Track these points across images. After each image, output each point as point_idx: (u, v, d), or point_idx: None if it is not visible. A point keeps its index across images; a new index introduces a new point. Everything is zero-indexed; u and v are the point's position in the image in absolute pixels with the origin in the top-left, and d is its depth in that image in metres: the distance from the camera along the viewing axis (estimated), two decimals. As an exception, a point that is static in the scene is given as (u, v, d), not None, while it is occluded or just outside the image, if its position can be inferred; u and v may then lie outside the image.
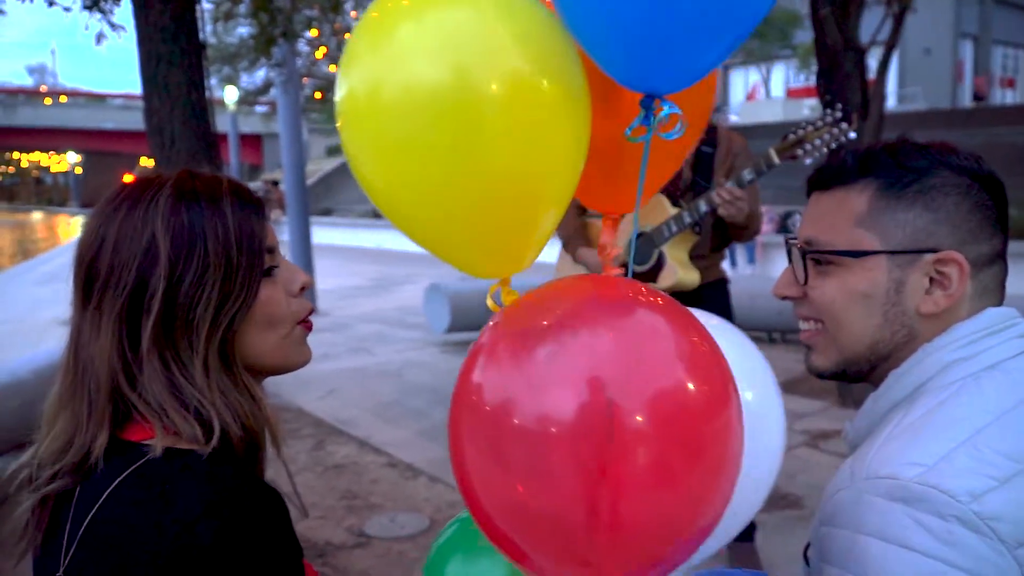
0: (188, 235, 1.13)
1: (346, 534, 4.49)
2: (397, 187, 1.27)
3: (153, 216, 1.13)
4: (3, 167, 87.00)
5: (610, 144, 1.38)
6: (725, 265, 3.96)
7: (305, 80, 25.67)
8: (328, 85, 27.99)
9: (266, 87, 27.42)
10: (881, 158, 1.25)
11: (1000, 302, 1.26)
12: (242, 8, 8.35)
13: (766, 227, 13.15)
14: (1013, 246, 1.37)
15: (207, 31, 6.38)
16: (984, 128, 19.26)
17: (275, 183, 18.89)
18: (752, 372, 1.45)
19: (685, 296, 3.50)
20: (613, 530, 1.06)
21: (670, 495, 1.07)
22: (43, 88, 67.64)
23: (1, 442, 4.55)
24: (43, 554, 1.15)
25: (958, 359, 1.19)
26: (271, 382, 1.25)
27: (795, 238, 1.32)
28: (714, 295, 3.68)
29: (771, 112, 29.42)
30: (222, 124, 16.89)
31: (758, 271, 13.81)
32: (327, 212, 30.22)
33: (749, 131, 13.13)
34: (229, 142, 22.56)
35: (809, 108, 29.07)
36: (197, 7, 4.80)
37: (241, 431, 1.14)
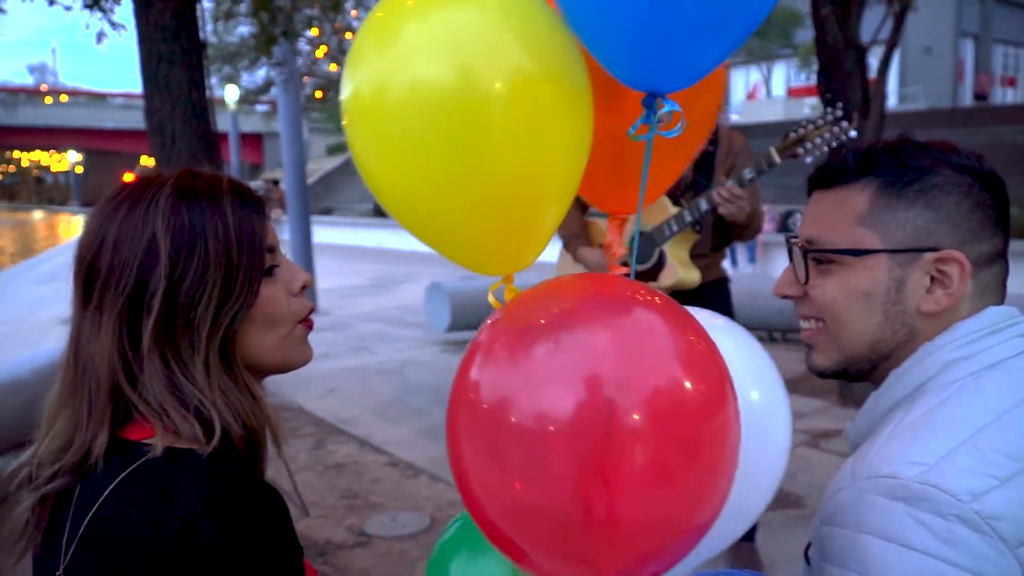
0: (189, 234, 1.13)
1: (347, 533, 4.49)
2: (402, 185, 1.28)
3: (153, 215, 1.13)
4: (4, 166, 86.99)
5: (617, 144, 1.38)
6: (726, 264, 3.96)
7: (306, 79, 25.69)
8: (328, 84, 28.04)
9: (267, 86, 27.44)
10: (882, 157, 1.25)
11: (1001, 301, 1.26)
12: (243, 7, 8.35)
13: (767, 226, 13.14)
14: (1014, 245, 1.37)
15: (208, 30, 6.38)
16: (985, 127, 19.26)
17: (276, 182, 18.89)
18: (758, 372, 1.45)
19: (686, 295, 3.50)
20: (610, 528, 1.06)
21: (667, 493, 1.07)
22: (44, 87, 67.66)
23: (1, 441, 4.55)
24: (43, 553, 1.15)
25: (959, 358, 1.19)
26: (271, 381, 1.25)
27: (796, 237, 1.32)
28: (715, 294, 3.68)
29: (772, 111, 29.41)
30: (223, 123, 16.91)
31: (759, 270, 13.80)
32: (328, 211, 30.23)
33: (750, 130, 13.13)
34: (230, 141, 22.55)
35: (810, 107, 29.06)
36: (198, 6, 4.80)
37: (242, 430, 1.14)
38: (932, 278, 1.21)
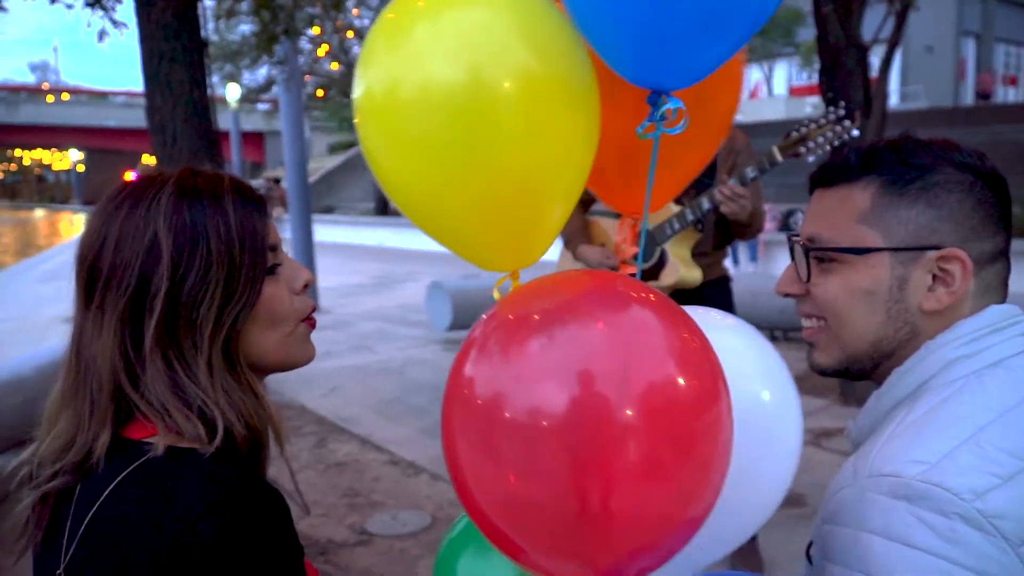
0: (190, 234, 1.13)
1: (348, 532, 4.49)
2: (412, 181, 1.30)
3: (155, 215, 1.13)
4: (5, 164, 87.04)
5: (631, 145, 1.39)
6: (727, 263, 3.95)
7: (307, 78, 25.70)
8: (330, 83, 28.07)
9: (268, 85, 27.48)
10: (884, 155, 1.25)
11: (1003, 300, 1.25)
12: (244, 6, 8.35)
13: (768, 225, 13.13)
14: (1015, 244, 1.37)
15: (209, 28, 6.38)
16: (986, 126, 19.24)
17: (277, 181, 18.87)
18: (769, 372, 1.45)
19: (687, 294, 3.49)
20: (603, 522, 1.06)
21: (660, 488, 1.07)
22: (45, 85, 67.67)
23: (2, 439, 4.56)
24: (43, 551, 1.15)
25: (961, 356, 1.19)
26: (273, 379, 1.25)
27: (798, 235, 1.32)
28: (716, 293, 3.68)
29: (773, 110, 29.40)
30: (224, 122, 16.91)
31: (760, 269, 13.80)
32: (329, 210, 30.23)
33: (752, 129, 13.12)
34: (231, 140, 22.55)
35: (811, 106, 29.06)
36: (199, 5, 4.80)
37: (245, 430, 1.13)
38: (934, 276, 1.21)
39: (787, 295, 1.34)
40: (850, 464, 1.17)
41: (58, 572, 1.10)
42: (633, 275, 1.64)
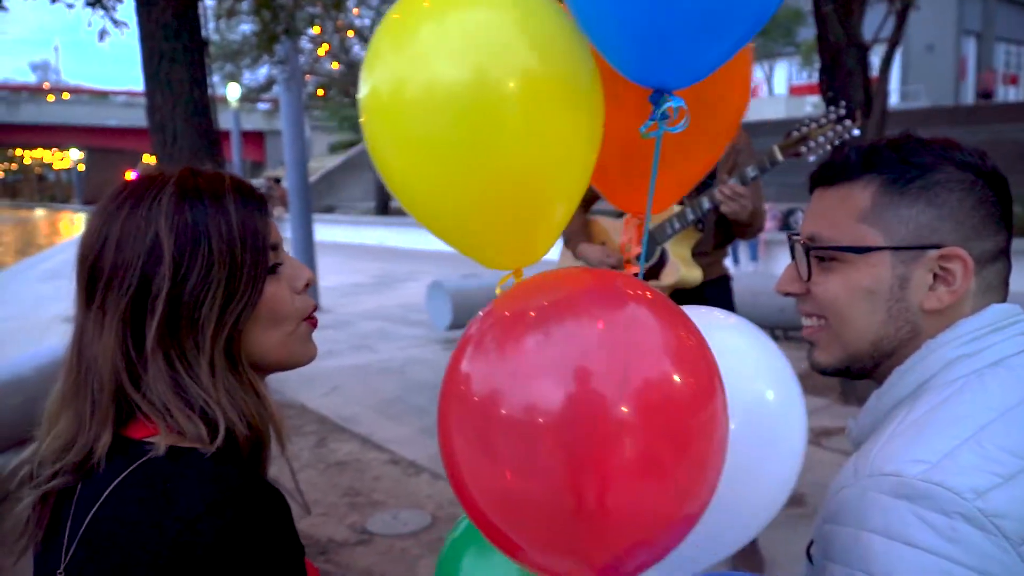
0: (192, 233, 1.12)
1: (348, 531, 4.49)
2: (416, 180, 1.31)
3: (156, 214, 1.12)
4: (6, 164, 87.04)
5: (637, 146, 1.39)
6: (727, 262, 3.95)
7: (308, 77, 25.70)
8: (330, 82, 28.08)
9: (268, 84, 27.50)
10: (885, 154, 1.24)
11: (1003, 298, 1.25)
12: (244, 5, 8.36)
13: (769, 224, 13.13)
14: (1016, 243, 1.37)
15: (209, 28, 6.39)
16: (987, 125, 19.24)
17: (277, 180, 18.87)
18: (774, 372, 1.44)
19: (687, 293, 3.50)
20: (599, 519, 1.06)
21: (656, 485, 1.08)
22: (46, 85, 67.73)
23: (3, 439, 4.56)
24: (44, 551, 1.15)
25: (962, 355, 1.18)
26: (273, 379, 1.25)
27: (798, 234, 1.32)
28: (716, 292, 3.68)
29: (774, 109, 29.41)
30: (224, 121, 16.90)
31: (760, 268, 13.80)
32: (329, 209, 30.24)
33: (752, 128, 13.10)
34: (231, 139, 22.56)
35: (812, 105, 29.07)
36: (200, 4, 4.80)
37: (247, 430, 1.13)
38: (935, 275, 1.21)
39: (788, 294, 1.34)
40: (851, 463, 1.17)
41: (58, 572, 1.10)
42: (636, 275, 1.64)
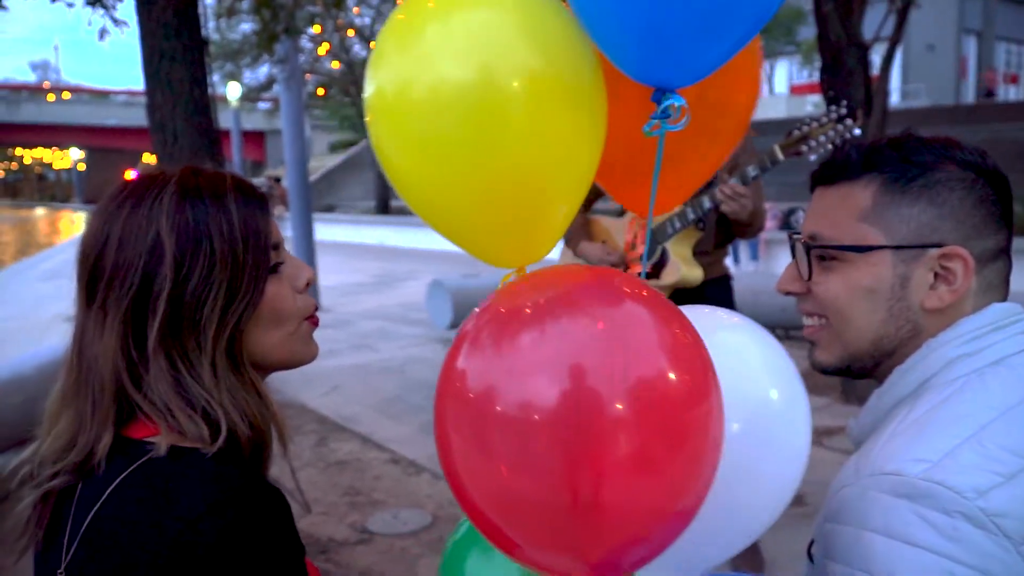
0: (193, 233, 1.12)
1: (349, 530, 4.50)
2: (421, 178, 1.31)
3: (157, 214, 1.12)
4: (6, 163, 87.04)
5: (644, 145, 1.39)
6: (728, 261, 3.95)
7: (308, 76, 25.70)
8: (331, 81, 28.07)
9: (269, 83, 27.52)
10: (885, 153, 1.24)
11: (1004, 297, 1.25)
12: (244, 4, 8.37)
13: (769, 223, 13.12)
14: (1016, 242, 1.36)
15: (209, 27, 6.39)
16: (987, 124, 19.23)
17: (277, 179, 18.88)
18: (778, 372, 1.44)
19: (688, 293, 3.50)
20: (595, 515, 1.07)
21: (651, 481, 1.08)
22: (46, 84, 67.72)
23: (3, 438, 4.56)
24: (44, 550, 1.15)
25: (963, 355, 1.18)
26: (274, 378, 1.25)
27: (799, 233, 1.32)
28: (717, 292, 3.68)
29: (774, 108, 29.37)
30: (225, 120, 16.90)
31: (761, 268, 13.80)
32: (330, 208, 30.24)
33: (753, 127, 13.09)
34: (232, 138, 22.57)
35: (812, 104, 29.06)
36: (200, 3, 4.80)
37: (249, 430, 1.13)
38: (936, 274, 1.21)
39: (788, 293, 1.34)
40: (852, 462, 1.17)
41: (59, 571, 1.10)
42: (639, 273, 1.64)
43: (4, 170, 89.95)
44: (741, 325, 1.50)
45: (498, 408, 1.08)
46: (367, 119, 1.33)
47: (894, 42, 7.18)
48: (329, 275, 13.38)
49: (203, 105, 4.73)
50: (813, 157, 3.09)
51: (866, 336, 1.25)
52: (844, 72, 6.21)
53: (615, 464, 1.05)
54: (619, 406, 1.05)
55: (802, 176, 1.45)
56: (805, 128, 3.15)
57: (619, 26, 1.20)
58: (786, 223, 14.02)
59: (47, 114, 54.36)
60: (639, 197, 1.63)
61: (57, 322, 8.02)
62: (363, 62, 24.96)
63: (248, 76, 28.06)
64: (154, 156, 4.86)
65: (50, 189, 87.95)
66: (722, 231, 3.69)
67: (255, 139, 47.74)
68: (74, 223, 43.89)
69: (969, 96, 32.81)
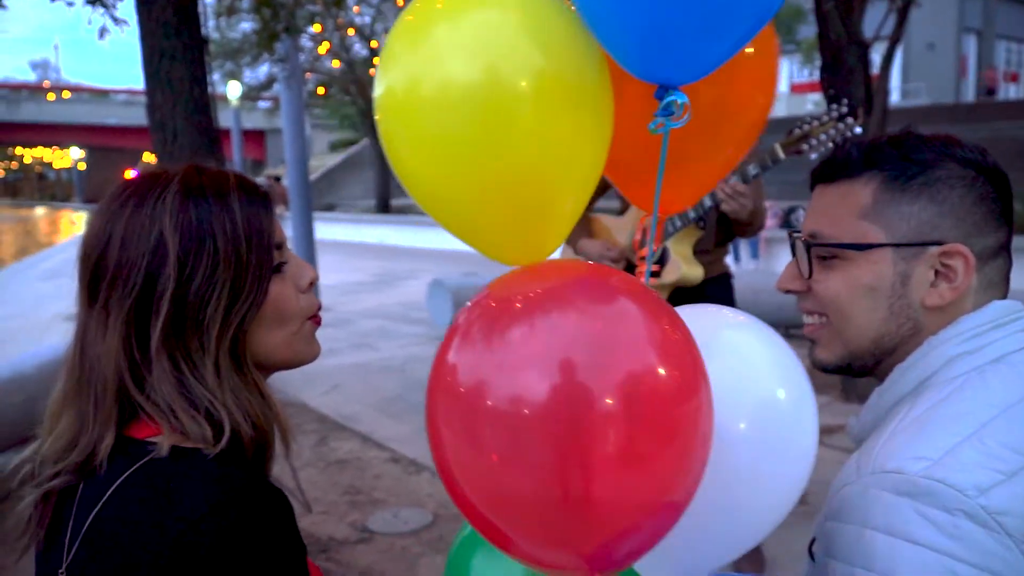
0: (197, 232, 1.11)
1: (349, 529, 4.50)
2: (430, 176, 1.33)
3: (161, 213, 1.11)
4: (6, 163, 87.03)
5: (653, 143, 1.40)
6: (728, 260, 3.95)
7: (308, 76, 25.69)
8: (331, 80, 28.06)
9: (269, 83, 27.52)
10: (886, 151, 1.24)
11: (1004, 295, 1.25)
12: (244, 3, 8.37)
13: (770, 222, 13.12)
14: (1016, 240, 1.36)
15: (210, 26, 6.39)
16: (987, 122, 19.24)
17: (278, 179, 18.90)
18: (785, 371, 1.44)
19: (688, 291, 3.50)
20: (585, 509, 1.07)
21: (640, 476, 1.08)
22: (46, 83, 67.71)
23: (4, 437, 4.56)
24: (45, 550, 1.15)
25: (963, 352, 1.18)
26: (275, 377, 1.25)
27: (799, 232, 1.32)
28: (717, 290, 3.68)
29: (775, 107, 29.28)
30: (225, 120, 16.89)
31: (761, 266, 13.80)
32: (330, 207, 30.24)
33: (752, 126, 13.06)
34: (232, 138, 22.56)
35: (813, 103, 29.05)
36: (200, 2, 4.80)
37: (252, 431, 1.12)
38: (936, 272, 1.21)
39: (788, 292, 1.34)
40: (853, 461, 1.17)
41: (60, 571, 1.09)
42: (646, 272, 1.65)
43: (4, 169, 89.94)
44: (747, 324, 1.49)
45: (489, 402, 1.09)
46: (377, 117, 1.34)
47: (894, 41, 7.17)
48: (329, 274, 13.37)
49: (203, 104, 4.73)
50: (814, 156, 3.09)
51: (867, 334, 1.25)
52: (844, 71, 6.21)
53: (605, 459, 1.06)
54: (609, 401, 1.06)
55: (802, 174, 1.45)
56: (806, 127, 3.15)
57: (621, 24, 1.20)
58: (786, 221, 14.02)
59: (47, 113, 54.33)
60: (650, 193, 1.64)
61: (57, 321, 8.04)
62: (363, 61, 24.99)
63: (248, 75, 28.07)
64: (154, 155, 4.86)
65: (50, 188, 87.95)
66: (723, 230, 3.69)
67: (255, 138, 47.74)
68: (74, 223, 43.88)
69: (969, 95, 32.79)
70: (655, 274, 3.50)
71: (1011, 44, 36.36)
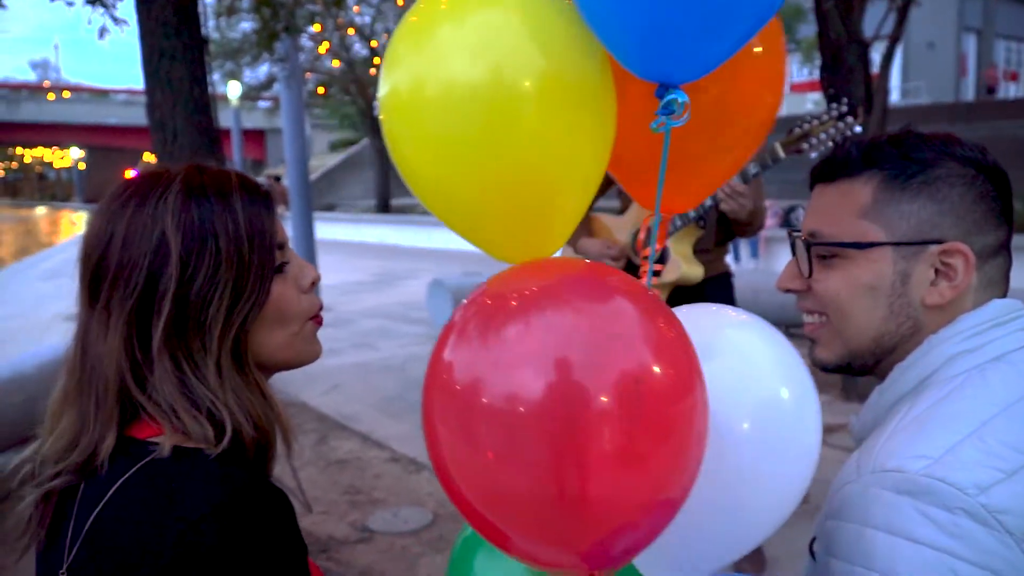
0: (199, 232, 1.11)
1: (349, 529, 4.50)
2: (434, 175, 1.33)
3: (163, 213, 1.11)
4: (7, 163, 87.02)
5: (671, 145, 1.40)
6: (728, 259, 3.96)
7: (308, 75, 25.68)
8: (331, 80, 28.05)
9: (269, 82, 27.50)
10: (886, 149, 1.24)
11: (1004, 293, 1.25)
12: (244, 3, 8.37)
13: (770, 221, 13.12)
14: (1016, 239, 1.36)
15: (209, 26, 6.40)
16: (987, 121, 19.24)
17: (278, 178, 18.89)
18: (787, 369, 1.44)
19: (688, 290, 3.50)
20: (581, 507, 1.07)
21: (635, 473, 1.09)
22: (46, 83, 67.73)
23: (4, 437, 4.56)
24: (46, 550, 1.14)
25: (963, 351, 1.18)
26: (275, 377, 1.25)
27: (799, 231, 1.32)
28: (717, 289, 3.68)
29: (775, 106, 29.31)
30: (225, 119, 16.89)
31: (761, 265, 13.80)
32: (330, 207, 30.25)
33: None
34: (232, 137, 22.54)
35: (813, 102, 29.04)
36: (200, 2, 4.80)
37: (254, 431, 1.12)
38: (936, 271, 1.21)
39: (788, 291, 1.34)
40: (853, 460, 1.17)
41: (61, 571, 1.09)
42: (648, 272, 1.65)
43: (4, 169, 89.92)
44: (750, 323, 1.49)
45: (484, 400, 1.09)
46: (381, 117, 1.35)
47: (894, 40, 7.18)
48: (330, 274, 13.36)
49: (203, 104, 4.73)
50: (814, 155, 3.10)
51: (867, 333, 1.25)
52: (844, 70, 6.21)
53: (600, 456, 1.06)
54: (604, 399, 1.06)
55: (802, 174, 1.45)
56: (806, 126, 3.15)
57: (621, 22, 1.20)
58: (786, 221, 14.02)
59: (47, 113, 54.31)
60: (653, 193, 1.64)
61: (57, 321, 8.03)
62: (363, 61, 24.99)
63: (248, 75, 28.02)
64: (154, 155, 4.86)
65: (50, 188, 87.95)
66: (723, 229, 3.69)
67: (255, 138, 47.73)
68: (75, 223, 43.88)
69: (969, 94, 32.79)
70: (656, 273, 3.50)
71: (1011, 43, 36.36)
